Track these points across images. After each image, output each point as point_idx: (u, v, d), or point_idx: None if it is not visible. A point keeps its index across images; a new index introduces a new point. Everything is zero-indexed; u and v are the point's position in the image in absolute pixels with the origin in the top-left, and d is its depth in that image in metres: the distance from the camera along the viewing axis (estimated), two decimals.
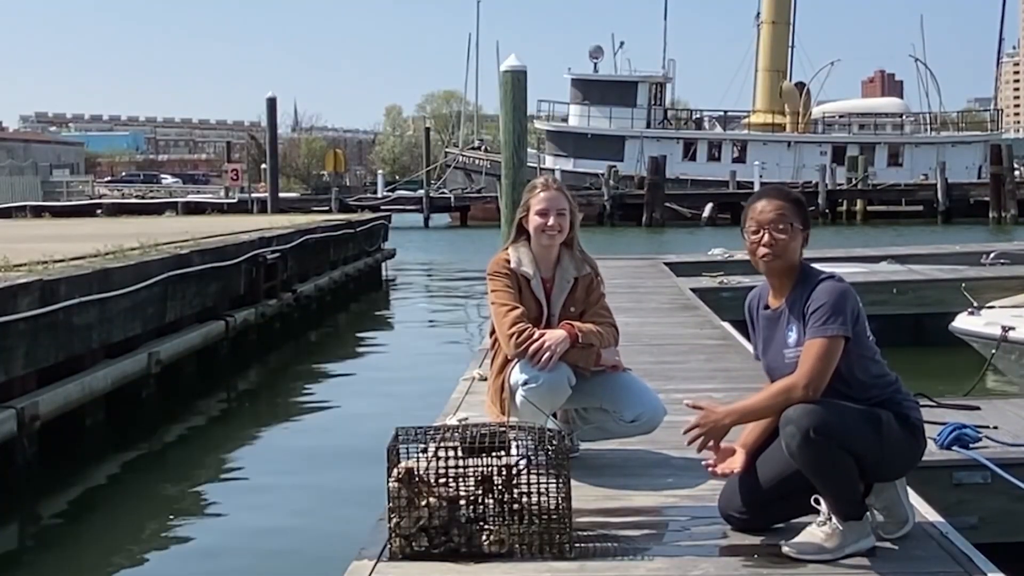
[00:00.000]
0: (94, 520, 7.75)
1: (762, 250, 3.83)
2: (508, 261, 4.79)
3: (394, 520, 3.74)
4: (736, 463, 3.97)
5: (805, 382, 3.66)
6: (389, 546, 3.78)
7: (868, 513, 3.78)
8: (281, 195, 41.23)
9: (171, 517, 7.66)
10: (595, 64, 58.29)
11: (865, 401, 3.72)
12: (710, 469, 4.06)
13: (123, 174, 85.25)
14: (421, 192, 54.14)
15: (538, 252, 4.81)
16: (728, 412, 3.86)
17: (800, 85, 59.28)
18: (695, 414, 3.91)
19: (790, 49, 61.08)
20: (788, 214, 3.82)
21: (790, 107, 58.37)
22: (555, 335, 4.59)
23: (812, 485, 3.72)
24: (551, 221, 4.75)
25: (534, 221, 4.77)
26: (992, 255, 16.11)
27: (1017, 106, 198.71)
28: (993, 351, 9.55)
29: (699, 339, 9.06)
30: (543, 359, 4.53)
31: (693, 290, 12.89)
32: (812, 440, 3.57)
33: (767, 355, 3.91)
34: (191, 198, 54.58)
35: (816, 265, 3.96)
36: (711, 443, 3.87)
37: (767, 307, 3.93)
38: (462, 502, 3.76)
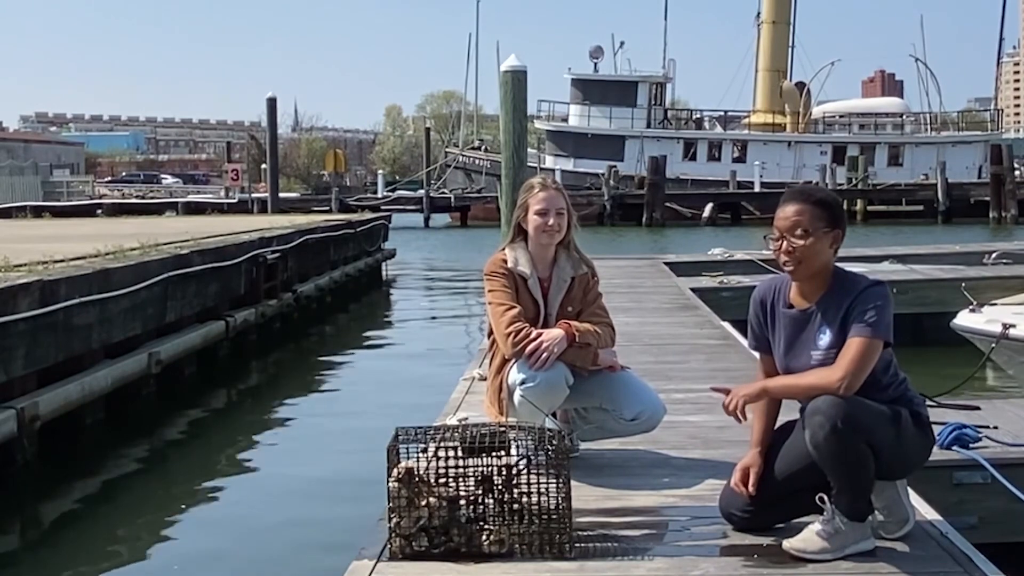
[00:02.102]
0: (94, 520, 7.74)
1: (783, 258, 3.81)
2: (505, 261, 4.79)
3: (394, 520, 3.74)
4: (755, 462, 3.93)
5: (841, 374, 3.63)
6: (389, 546, 3.78)
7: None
8: (281, 195, 41.24)
9: (171, 517, 7.66)
10: (595, 64, 58.33)
11: (882, 399, 3.72)
12: (738, 488, 3.94)
13: (123, 174, 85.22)
14: (421, 192, 54.15)
15: (535, 252, 4.81)
16: (759, 386, 3.85)
17: (800, 85, 59.29)
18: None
19: (790, 49, 61.11)
20: (806, 218, 3.77)
21: (790, 107, 58.38)
22: (552, 334, 4.59)
23: (816, 484, 3.71)
24: (551, 221, 4.75)
25: (533, 221, 4.77)
26: (994, 255, 16.11)
27: (1017, 106, 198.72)
28: (993, 345, 9.55)
29: (699, 339, 9.06)
30: (541, 359, 4.53)
31: (693, 290, 12.89)
32: (840, 431, 3.56)
33: (788, 355, 3.87)
34: (191, 198, 54.61)
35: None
36: (741, 404, 3.81)
37: (791, 306, 3.89)
38: (462, 502, 3.76)
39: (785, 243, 3.78)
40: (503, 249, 4.88)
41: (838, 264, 3.91)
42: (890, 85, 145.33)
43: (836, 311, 3.75)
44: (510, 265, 4.78)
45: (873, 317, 3.68)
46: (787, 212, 3.81)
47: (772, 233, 3.85)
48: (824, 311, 3.78)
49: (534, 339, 4.56)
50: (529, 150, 17.69)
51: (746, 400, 3.83)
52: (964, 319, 10.23)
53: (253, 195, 47.19)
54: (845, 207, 49.59)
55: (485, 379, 5.48)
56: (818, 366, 3.73)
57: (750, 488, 3.89)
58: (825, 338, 3.76)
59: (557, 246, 4.82)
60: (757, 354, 4.09)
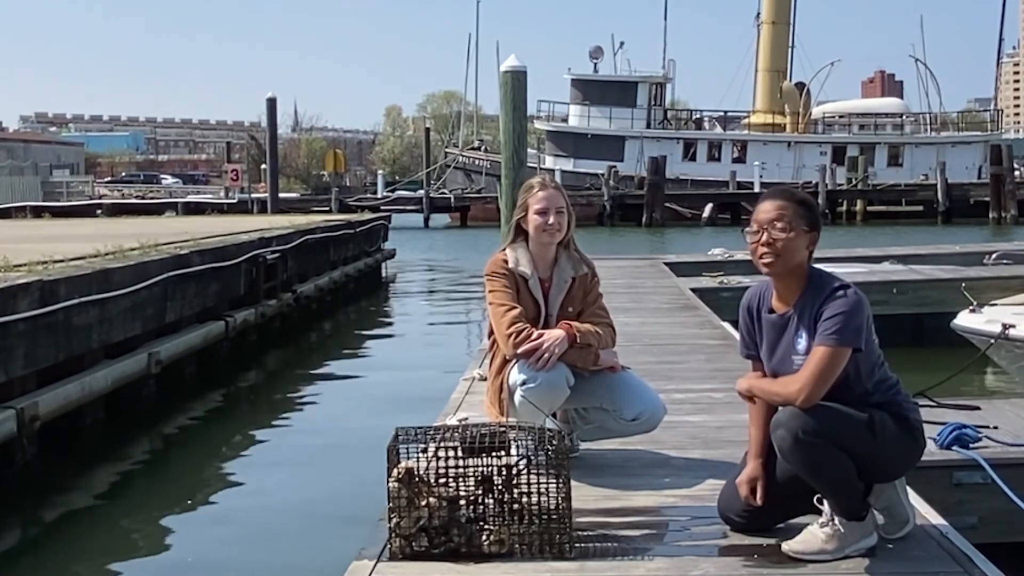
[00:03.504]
0: (94, 520, 7.74)
1: (761, 249, 3.74)
2: (506, 261, 4.79)
3: (394, 520, 3.74)
4: (755, 474, 3.93)
5: (799, 387, 3.62)
6: (389, 546, 3.77)
7: (869, 513, 3.77)
8: (281, 195, 41.22)
9: (171, 517, 7.66)
10: (595, 64, 58.33)
11: (866, 404, 3.69)
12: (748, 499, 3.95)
13: (123, 174, 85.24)
14: (421, 192, 54.17)
15: (536, 252, 4.81)
16: (746, 384, 3.92)
17: (800, 85, 59.30)
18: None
19: (790, 49, 61.13)
20: (789, 214, 3.72)
21: (790, 107, 58.39)
22: (553, 335, 4.58)
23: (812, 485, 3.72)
24: (551, 219, 4.74)
25: (534, 220, 4.77)
26: (995, 256, 16.11)
27: (1017, 106, 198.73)
28: (992, 342, 9.55)
29: (699, 339, 9.06)
30: (542, 359, 4.52)
31: (693, 290, 12.89)
32: (802, 441, 3.56)
33: (772, 360, 3.86)
34: (191, 198, 54.65)
35: (818, 266, 3.90)
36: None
37: (772, 311, 3.85)
38: (462, 502, 3.76)
39: (765, 235, 3.73)
40: (504, 249, 4.88)
41: (826, 267, 3.90)
42: (890, 85, 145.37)
43: (809, 314, 3.71)
44: (511, 265, 4.77)
45: (837, 324, 3.60)
46: (769, 206, 3.77)
47: (750, 227, 3.80)
48: (800, 314, 3.75)
49: (535, 339, 4.56)
50: (529, 150, 17.69)
51: (742, 390, 3.91)
52: (964, 319, 10.23)
53: (253, 195, 47.21)
54: (845, 207, 49.83)
55: (485, 379, 5.48)
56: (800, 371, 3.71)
57: (758, 500, 3.87)
58: (802, 342, 3.73)
59: (558, 246, 4.82)
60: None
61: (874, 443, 3.65)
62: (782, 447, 3.62)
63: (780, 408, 3.68)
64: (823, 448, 3.56)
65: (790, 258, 3.73)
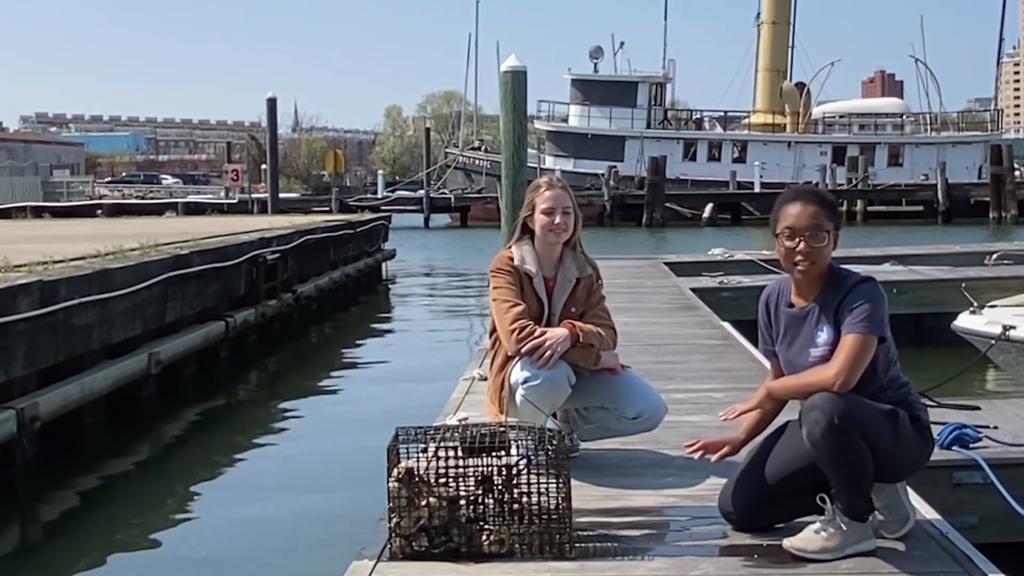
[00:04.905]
0: (94, 520, 7.74)
1: (798, 258, 3.80)
2: (511, 259, 4.79)
3: (394, 520, 3.74)
4: (733, 441, 4.13)
5: (836, 371, 3.66)
6: (389, 546, 3.77)
7: (871, 516, 3.77)
8: (281, 195, 41.20)
9: (171, 517, 7.66)
10: (595, 64, 58.32)
11: (882, 399, 3.73)
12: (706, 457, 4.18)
13: (123, 174, 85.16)
14: (421, 192, 54.15)
15: (542, 251, 4.82)
16: (761, 391, 4.01)
17: (800, 85, 59.27)
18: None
19: (790, 49, 61.07)
20: (823, 221, 3.80)
21: (790, 107, 58.36)
22: (556, 333, 4.59)
23: (816, 484, 3.72)
24: (557, 219, 4.75)
25: (540, 220, 4.77)
26: (995, 256, 16.12)
27: (1017, 106, 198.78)
28: (992, 342, 9.54)
29: (699, 339, 9.05)
30: (544, 356, 4.53)
31: (693, 290, 12.89)
32: (837, 427, 3.57)
33: (790, 353, 3.90)
34: (191, 198, 54.62)
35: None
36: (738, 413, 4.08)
37: (791, 305, 3.91)
38: (462, 502, 3.76)
39: (803, 244, 3.79)
40: (509, 247, 4.88)
41: (832, 262, 3.94)
42: (890, 85, 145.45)
43: (831, 308, 3.78)
44: (516, 263, 4.78)
45: (864, 313, 3.69)
46: (804, 212, 3.81)
47: (783, 232, 3.83)
48: (821, 308, 3.81)
49: (538, 337, 4.56)
50: (529, 150, 17.68)
51: (746, 411, 4.00)
52: (965, 321, 10.22)
53: (253, 195, 47.18)
54: (845, 207, 49.88)
55: (485, 379, 5.48)
56: (817, 363, 3.75)
57: (712, 458, 4.12)
58: (823, 335, 3.78)
59: (563, 246, 4.83)
60: (768, 363, 4.11)
61: (895, 439, 3.69)
62: (814, 430, 3.61)
63: (814, 396, 3.69)
64: (853, 437, 3.59)
65: (824, 263, 3.84)
